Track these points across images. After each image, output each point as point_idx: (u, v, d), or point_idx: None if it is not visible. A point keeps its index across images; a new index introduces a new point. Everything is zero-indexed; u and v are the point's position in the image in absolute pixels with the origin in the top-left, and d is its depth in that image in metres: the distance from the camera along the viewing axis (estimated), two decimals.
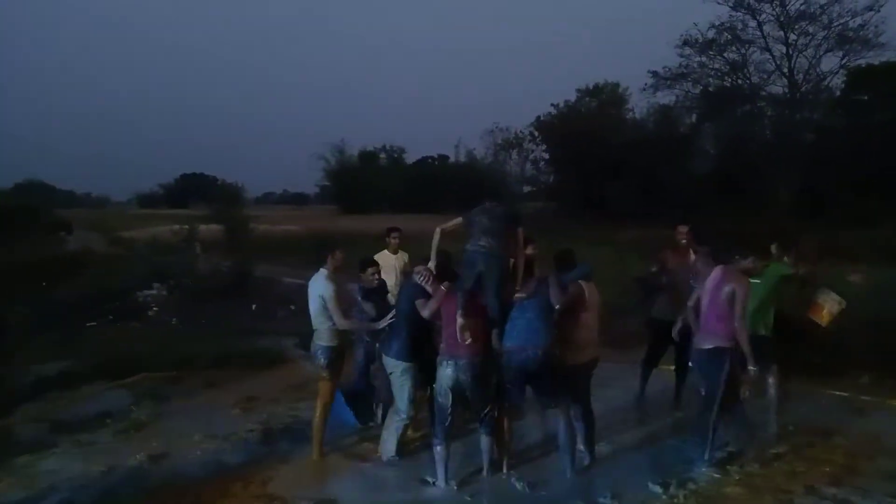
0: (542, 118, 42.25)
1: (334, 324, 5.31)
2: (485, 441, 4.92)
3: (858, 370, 7.20)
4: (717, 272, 4.99)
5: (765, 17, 26.83)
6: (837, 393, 6.76)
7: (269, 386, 7.55)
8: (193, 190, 60.64)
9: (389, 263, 6.79)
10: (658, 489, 4.66)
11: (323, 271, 5.42)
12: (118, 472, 5.23)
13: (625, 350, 8.53)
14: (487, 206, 5.19)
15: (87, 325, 10.56)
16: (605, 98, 40.18)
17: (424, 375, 5.12)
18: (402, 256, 7.00)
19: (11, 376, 7.68)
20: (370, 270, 5.85)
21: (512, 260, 5.06)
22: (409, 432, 5.44)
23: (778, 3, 26.29)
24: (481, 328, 4.78)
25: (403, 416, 5.10)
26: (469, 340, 4.64)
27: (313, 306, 5.39)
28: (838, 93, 27.30)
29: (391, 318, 5.23)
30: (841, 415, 6.15)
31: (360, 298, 5.79)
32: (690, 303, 5.25)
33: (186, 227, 16.52)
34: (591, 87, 40.58)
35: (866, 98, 26.36)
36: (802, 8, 26.00)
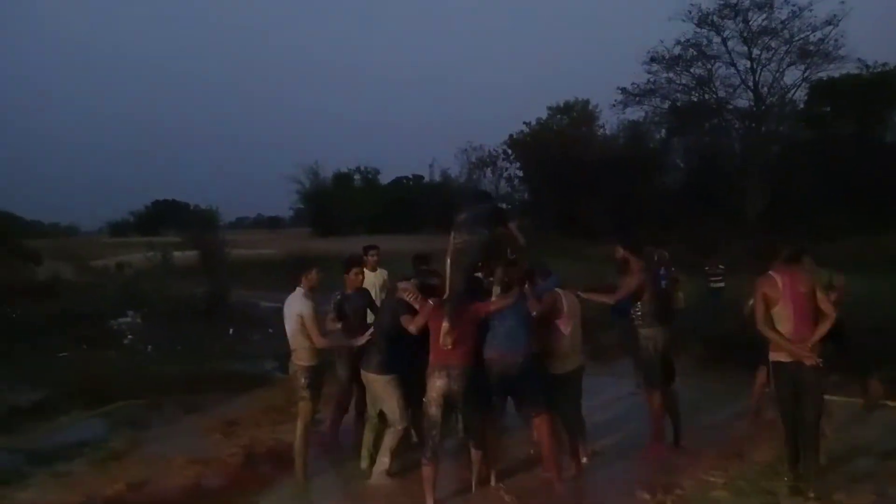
0: (514, 136, 42.65)
1: (312, 343, 5.28)
2: (474, 454, 4.90)
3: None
4: None
5: (728, 33, 27.60)
6: None
7: (249, 409, 7.45)
8: (166, 216, 59.92)
9: (369, 281, 6.75)
10: (645, 496, 4.68)
11: (299, 290, 5.39)
12: (96, 501, 5.09)
13: (605, 362, 8.65)
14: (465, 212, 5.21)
15: (60, 354, 10.34)
16: (576, 115, 40.68)
17: (412, 390, 5.07)
18: (382, 274, 6.97)
19: None
20: (354, 270, 5.84)
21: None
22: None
23: (741, 19, 27.04)
24: (472, 337, 4.77)
25: (399, 427, 5.04)
26: (450, 346, 4.64)
27: (290, 326, 5.33)
28: (801, 105, 28.05)
29: (370, 335, 5.21)
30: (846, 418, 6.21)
31: (334, 306, 5.76)
32: None
33: (159, 253, 16.40)
34: (561, 104, 41.11)
35: (828, 109, 27.11)
36: (764, 24, 26.81)
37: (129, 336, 11.60)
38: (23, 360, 9.70)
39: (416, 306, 4.95)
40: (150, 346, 11.01)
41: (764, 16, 26.72)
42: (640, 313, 5.47)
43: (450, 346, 4.61)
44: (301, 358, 5.32)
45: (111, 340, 11.35)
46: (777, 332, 4.57)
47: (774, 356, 4.66)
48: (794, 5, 26.01)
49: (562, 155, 32.99)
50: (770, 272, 4.67)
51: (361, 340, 5.31)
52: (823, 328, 4.53)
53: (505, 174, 49.28)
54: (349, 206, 53.38)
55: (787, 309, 4.55)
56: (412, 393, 5.07)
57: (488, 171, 52.70)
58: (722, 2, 26.84)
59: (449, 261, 5.00)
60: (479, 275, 5.11)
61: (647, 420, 5.60)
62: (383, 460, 5.11)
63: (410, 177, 61.19)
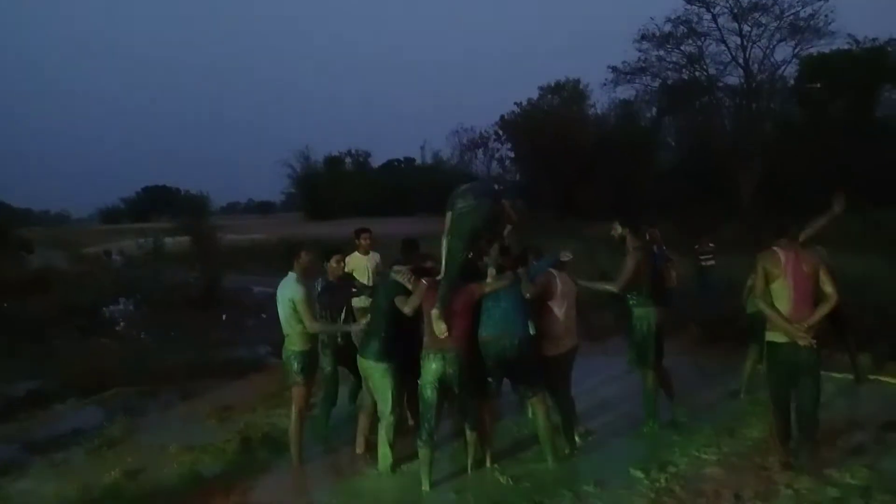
0: (506, 117, 42.54)
1: (305, 328, 5.27)
2: (470, 436, 4.92)
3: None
4: None
5: (719, 9, 27.40)
6: None
7: (244, 395, 7.46)
8: (157, 202, 59.71)
9: (361, 265, 6.76)
10: (640, 474, 4.72)
11: (292, 275, 5.36)
12: (94, 490, 5.09)
13: (599, 341, 8.69)
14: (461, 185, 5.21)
15: (54, 342, 10.31)
16: (567, 95, 40.62)
17: (409, 375, 5.06)
18: (374, 257, 6.96)
19: None
20: (335, 258, 5.82)
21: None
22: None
23: None
24: (467, 320, 4.76)
25: (390, 418, 5.04)
26: (445, 334, 4.64)
27: (283, 311, 5.32)
28: (792, 81, 27.99)
29: (366, 323, 5.20)
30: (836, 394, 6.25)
31: (317, 293, 5.72)
32: None
33: (151, 240, 16.33)
34: (553, 84, 40.98)
35: (819, 86, 27.08)
36: None
37: (122, 323, 11.57)
38: (17, 349, 9.66)
39: (410, 287, 4.95)
40: (143, 333, 10.98)
41: None
42: (634, 293, 5.48)
43: (444, 334, 4.62)
44: (294, 343, 5.31)
45: (104, 328, 11.31)
46: (775, 309, 4.50)
47: (769, 336, 4.61)
48: None
49: (554, 134, 32.91)
50: (774, 247, 4.62)
51: (356, 328, 5.29)
52: (824, 310, 4.47)
53: (496, 155, 49.24)
54: (341, 190, 53.25)
55: (787, 287, 4.49)
56: (408, 376, 5.06)
57: (480, 153, 52.64)
58: None
59: (447, 233, 4.93)
60: (471, 255, 5.11)
61: (640, 399, 5.65)
62: (385, 454, 5.09)
63: (402, 160, 61.08)
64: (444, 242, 4.98)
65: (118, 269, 15.85)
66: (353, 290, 6.06)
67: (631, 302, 5.52)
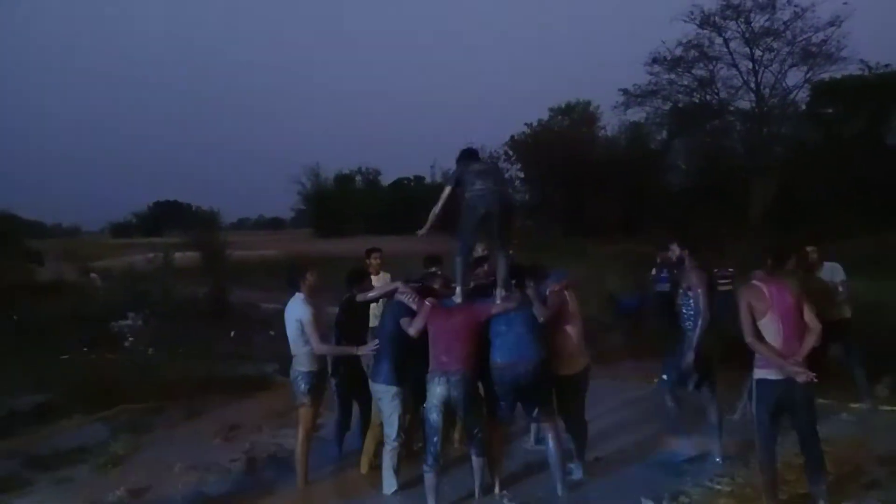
0: (515, 137, 42.57)
1: (313, 349, 5.23)
2: (476, 462, 4.85)
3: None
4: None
5: (730, 34, 27.48)
6: (821, 400, 6.78)
7: (251, 413, 7.42)
8: (167, 217, 59.97)
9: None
10: (650, 503, 4.63)
11: (299, 295, 5.33)
12: None
13: (608, 365, 8.56)
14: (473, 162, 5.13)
15: (62, 357, 10.29)
16: (577, 116, 40.61)
17: (416, 397, 5.01)
18: (384, 277, 6.94)
19: None
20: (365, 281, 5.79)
21: None
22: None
23: (743, 20, 26.94)
24: (473, 342, 4.71)
25: (395, 443, 4.98)
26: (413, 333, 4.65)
27: (291, 331, 5.30)
28: (804, 106, 27.95)
29: (375, 346, 5.14)
30: (827, 422, 6.16)
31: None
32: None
33: (161, 254, 16.37)
34: (562, 105, 41.04)
35: (831, 111, 27.01)
36: (767, 24, 26.70)
37: (130, 338, 11.54)
38: (24, 362, 9.64)
39: (414, 307, 4.91)
40: (150, 349, 10.95)
41: (766, 17, 26.63)
42: (691, 313, 5.23)
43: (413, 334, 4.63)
44: (301, 363, 5.28)
45: (112, 343, 11.29)
46: (769, 346, 4.26)
47: (761, 374, 4.35)
48: (796, 6, 25.89)
49: (564, 155, 32.91)
50: (754, 281, 4.44)
51: (363, 350, 5.25)
52: (811, 341, 4.25)
53: (506, 175, 49.24)
54: (350, 207, 53.36)
55: (774, 321, 4.27)
56: (418, 399, 4.99)
57: None
58: (724, 2, 26.77)
59: (441, 207, 4.91)
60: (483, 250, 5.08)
61: (650, 426, 5.56)
62: (391, 481, 5.03)
63: (412, 178, 61.17)
64: (432, 215, 5.00)
65: (98, 287, 15.99)
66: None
67: (687, 324, 5.26)
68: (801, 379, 4.17)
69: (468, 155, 5.26)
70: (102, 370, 9.22)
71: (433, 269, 5.76)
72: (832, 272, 6.43)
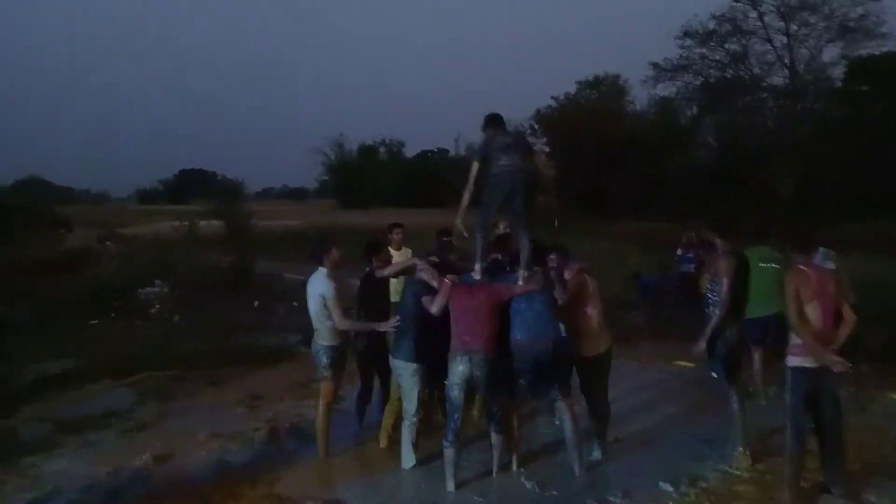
0: (541, 111, 42.10)
1: (335, 323, 5.26)
2: (495, 439, 4.87)
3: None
4: None
5: (765, 7, 26.60)
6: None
7: (273, 383, 7.51)
8: (193, 185, 60.52)
9: (394, 260, 6.73)
10: (669, 487, 4.63)
11: (322, 270, 5.36)
12: (124, 472, 5.18)
13: (629, 345, 8.52)
14: (500, 133, 5.02)
15: (90, 322, 10.51)
16: (606, 90, 40.03)
17: (436, 374, 5.01)
18: (406, 253, 6.92)
19: (14, 375, 7.66)
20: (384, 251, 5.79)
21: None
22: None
23: None
24: (495, 321, 4.71)
25: (413, 418, 5.03)
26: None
27: (313, 306, 5.33)
28: (839, 83, 27.20)
29: (396, 322, 5.15)
30: (845, 409, 6.08)
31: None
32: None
33: (186, 223, 16.54)
34: (591, 79, 40.44)
35: (867, 88, 26.28)
36: None
37: (157, 306, 11.74)
38: (52, 329, 9.86)
39: (435, 285, 4.90)
40: (176, 317, 11.14)
41: None
42: (718, 299, 5.06)
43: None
44: (323, 337, 5.33)
45: (139, 310, 11.50)
46: (812, 334, 4.23)
47: (798, 361, 4.32)
48: None
49: (589, 130, 32.47)
50: (801, 266, 4.41)
51: (385, 327, 5.26)
52: (846, 331, 4.25)
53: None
54: (373, 179, 53.35)
55: (815, 309, 4.26)
56: (438, 376, 5.00)
57: None
58: None
59: (471, 186, 4.81)
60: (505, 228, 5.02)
61: (670, 407, 5.51)
62: (409, 456, 5.08)
63: (436, 150, 60.90)
64: (466, 196, 4.88)
65: (113, 256, 16.23)
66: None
67: (714, 311, 5.07)
68: (837, 369, 4.18)
69: (494, 122, 5.17)
70: (129, 337, 9.41)
71: (446, 239, 5.73)
72: (824, 258, 6.03)
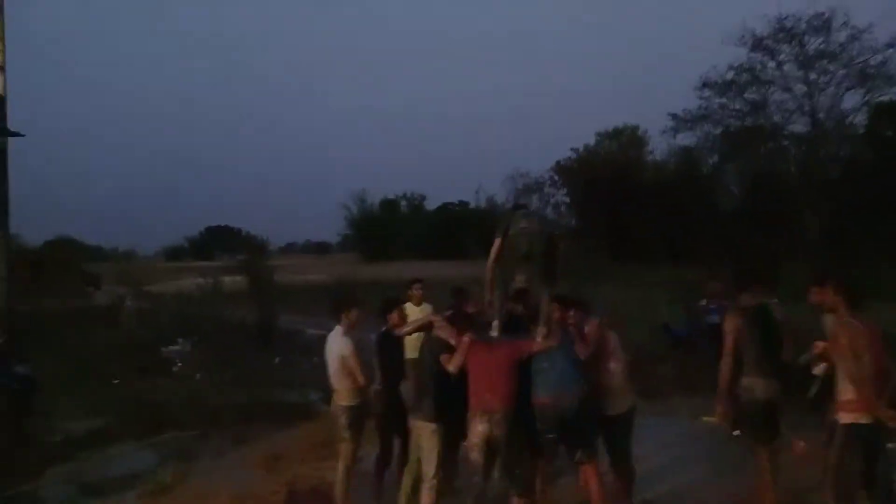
0: (561, 162, 42.45)
1: (354, 384, 5.22)
2: (515, 502, 4.74)
3: None
4: None
5: (784, 56, 26.80)
6: None
7: (294, 443, 7.46)
8: (219, 242, 61.56)
9: (414, 317, 6.70)
10: None
11: (339, 329, 5.36)
12: None
13: (658, 399, 8.31)
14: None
15: (114, 381, 10.57)
16: (625, 140, 40.36)
17: (455, 433, 4.93)
18: (426, 309, 6.91)
19: (41, 436, 7.72)
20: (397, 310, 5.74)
21: None
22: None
23: (797, 43, 26.26)
24: (513, 379, 4.64)
25: (433, 480, 4.92)
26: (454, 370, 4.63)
27: (332, 366, 5.32)
28: (862, 130, 27.09)
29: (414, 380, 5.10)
30: None
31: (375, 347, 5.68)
32: None
33: (210, 279, 16.77)
34: (610, 130, 40.85)
35: (890, 133, 26.14)
36: (822, 47, 25.89)
37: (179, 364, 11.80)
38: (79, 387, 9.94)
39: (453, 342, 4.85)
40: (198, 375, 11.17)
41: (821, 39, 25.86)
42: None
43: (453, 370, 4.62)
44: (343, 398, 5.29)
45: (162, 368, 11.57)
46: (869, 390, 4.01)
47: (852, 417, 4.09)
48: (852, 28, 25.19)
49: (612, 177, 32.58)
50: (852, 319, 4.17)
51: (371, 389, 5.24)
52: (890, 386, 4.07)
53: (552, 200, 48.98)
54: (396, 232, 53.86)
55: (868, 364, 4.04)
56: (458, 436, 4.92)
57: (535, 198, 52.44)
58: (777, 26, 26.22)
59: (494, 254, 4.97)
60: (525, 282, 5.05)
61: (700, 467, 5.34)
62: None
63: (457, 203, 61.39)
64: (487, 273, 5.03)
65: (133, 315, 16.37)
66: None
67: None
68: (892, 424, 4.02)
69: (517, 207, 5.36)
70: (152, 396, 9.44)
71: (463, 290, 5.76)
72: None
